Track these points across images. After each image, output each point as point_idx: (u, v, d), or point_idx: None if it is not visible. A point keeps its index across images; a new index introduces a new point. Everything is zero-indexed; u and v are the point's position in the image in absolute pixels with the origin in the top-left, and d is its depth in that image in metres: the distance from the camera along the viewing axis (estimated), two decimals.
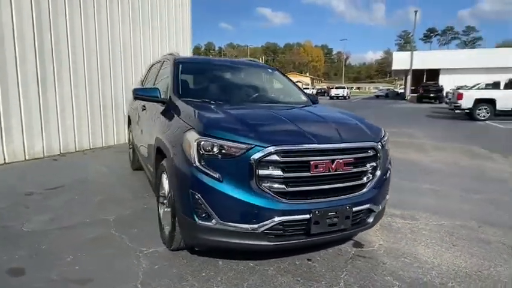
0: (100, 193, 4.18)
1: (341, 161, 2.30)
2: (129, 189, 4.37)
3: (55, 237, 2.97)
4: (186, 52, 9.88)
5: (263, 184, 2.16)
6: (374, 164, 2.50)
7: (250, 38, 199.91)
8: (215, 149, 2.18)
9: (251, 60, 4.64)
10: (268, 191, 2.17)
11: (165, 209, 2.78)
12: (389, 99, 41.75)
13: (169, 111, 2.96)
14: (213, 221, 2.19)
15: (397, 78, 67.54)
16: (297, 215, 2.20)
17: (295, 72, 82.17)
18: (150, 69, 4.99)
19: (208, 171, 2.18)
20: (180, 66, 3.57)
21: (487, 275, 2.52)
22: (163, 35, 9.15)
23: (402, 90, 48.19)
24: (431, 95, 29.95)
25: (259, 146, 2.15)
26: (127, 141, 6.03)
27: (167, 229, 2.71)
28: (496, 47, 55.51)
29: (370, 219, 2.56)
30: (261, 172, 2.15)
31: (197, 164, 2.21)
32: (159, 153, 2.90)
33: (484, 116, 14.73)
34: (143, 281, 2.30)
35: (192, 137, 2.26)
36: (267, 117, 2.70)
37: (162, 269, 2.46)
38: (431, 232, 3.28)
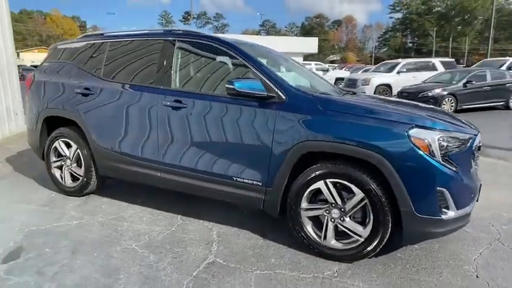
0: (107, 257, 2.75)
1: None
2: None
3: None
4: (4, 21, 6.85)
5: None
6: None
7: None
8: (452, 143, 2.24)
9: None
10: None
11: (336, 219, 2.45)
12: None
13: (304, 109, 2.50)
14: (452, 212, 2.26)
15: None
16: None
17: (44, 46, 68.31)
18: (106, 50, 3.48)
19: (450, 166, 2.22)
20: (242, 48, 2.89)
21: None
22: None
23: None
24: None
25: (475, 134, 2.39)
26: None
27: (347, 241, 2.45)
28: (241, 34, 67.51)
29: None
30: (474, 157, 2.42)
31: (441, 160, 2.19)
32: (313, 158, 2.49)
33: None
34: None
35: (428, 134, 2.20)
36: (419, 108, 2.90)
37: None
38: None
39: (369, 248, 2.38)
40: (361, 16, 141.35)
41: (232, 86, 2.53)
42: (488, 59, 20.33)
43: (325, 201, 2.49)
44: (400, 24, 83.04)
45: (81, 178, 3.59)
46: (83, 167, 3.55)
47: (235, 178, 2.76)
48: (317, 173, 2.45)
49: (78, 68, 3.59)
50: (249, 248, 2.69)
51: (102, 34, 3.73)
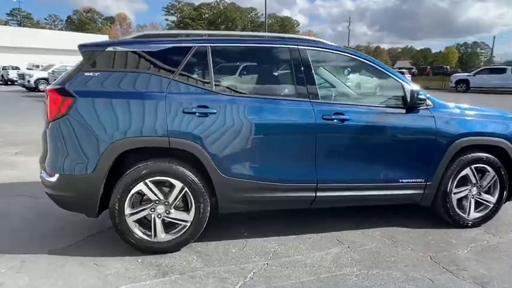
0: None
1: None
2: None
3: None
4: None
5: None
6: None
7: None
8: None
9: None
10: None
11: (475, 195, 3.22)
12: None
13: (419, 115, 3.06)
14: None
15: None
16: None
17: None
18: (208, 56, 2.70)
19: None
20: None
21: None
22: None
23: None
24: None
25: None
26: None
27: (481, 209, 3.27)
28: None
29: None
30: None
31: None
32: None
33: None
34: None
35: None
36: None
37: None
38: None
39: (496, 210, 3.29)
40: (131, 15, 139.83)
41: (422, 97, 2.89)
42: None
43: (464, 184, 3.19)
44: (176, 26, 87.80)
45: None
46: (192, 210, 2.68)
47: (401, 180, 3.02)
48: (465, 162, 3.11)
49: (171, 80, 2.63)
50: (405, 235, 3.10)
51: (178, 34, 2.84)
